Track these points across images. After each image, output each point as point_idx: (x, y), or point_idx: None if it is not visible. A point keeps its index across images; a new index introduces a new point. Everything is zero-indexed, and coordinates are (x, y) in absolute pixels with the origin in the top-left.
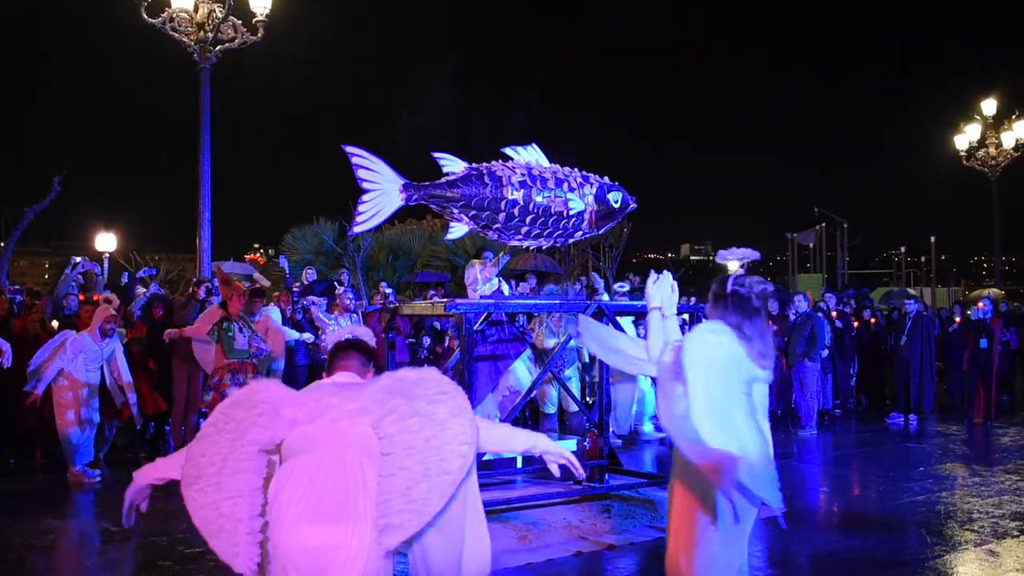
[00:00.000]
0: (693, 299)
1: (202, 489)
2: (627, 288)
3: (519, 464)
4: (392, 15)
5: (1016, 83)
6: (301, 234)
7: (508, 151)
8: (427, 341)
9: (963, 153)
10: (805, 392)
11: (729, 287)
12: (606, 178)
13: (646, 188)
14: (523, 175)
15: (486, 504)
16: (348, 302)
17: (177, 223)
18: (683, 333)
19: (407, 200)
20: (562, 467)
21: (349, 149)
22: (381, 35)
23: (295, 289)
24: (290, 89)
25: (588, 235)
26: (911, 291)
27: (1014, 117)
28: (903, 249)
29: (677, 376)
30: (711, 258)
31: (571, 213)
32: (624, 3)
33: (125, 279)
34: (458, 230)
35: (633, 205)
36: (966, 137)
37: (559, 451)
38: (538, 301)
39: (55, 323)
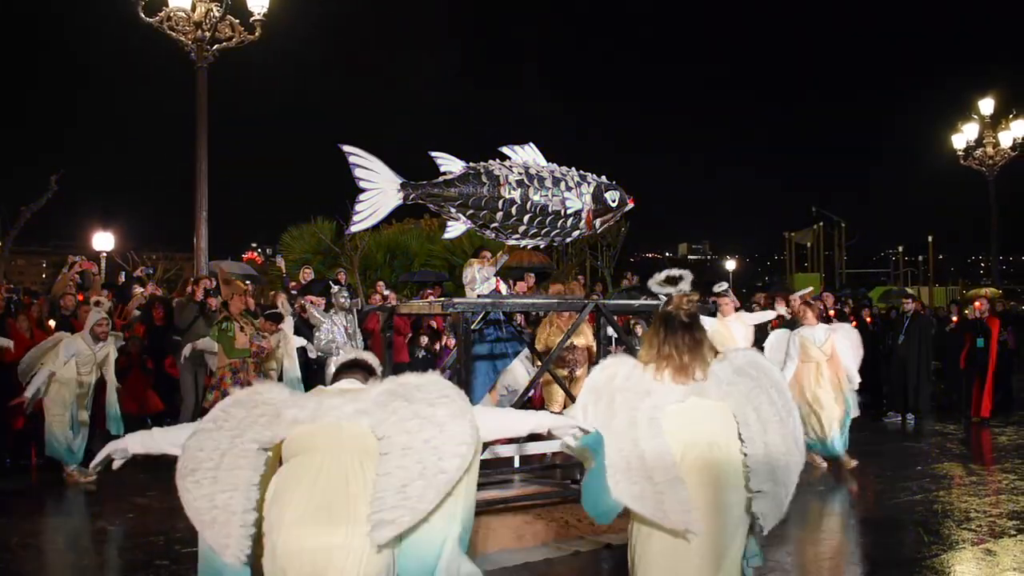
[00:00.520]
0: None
1: (198, 481)
2: (725, 287)
3: (516, 463)
4: (391, 14)
5: (1014, 82)
6: (298, 233)
7: (505, 150)
8: (424, 340)
9: (961, 152)
10: None
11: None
12: (604, 177)
13: (645, 187)
14: (521, 174)
15: (484, 503)
16: (344, 300)
17: (175, 222)
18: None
19: (404, 199)
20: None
21: (346, 148)
22: (379, 34)
23: (293, 290)
24: (287, 88)
25: (586, 234)
26: (909, 290)
27: (1012, 116)
28: (901, 248)
29: None
30: (709, 257)
31: (569, 212)
32: (627, 2)
33: (123, 278)
34: (456, 229)
35: (631, 204)
36: (964, 136)
37: (566, 423)
38: (536, 300)
39: (52, 322)
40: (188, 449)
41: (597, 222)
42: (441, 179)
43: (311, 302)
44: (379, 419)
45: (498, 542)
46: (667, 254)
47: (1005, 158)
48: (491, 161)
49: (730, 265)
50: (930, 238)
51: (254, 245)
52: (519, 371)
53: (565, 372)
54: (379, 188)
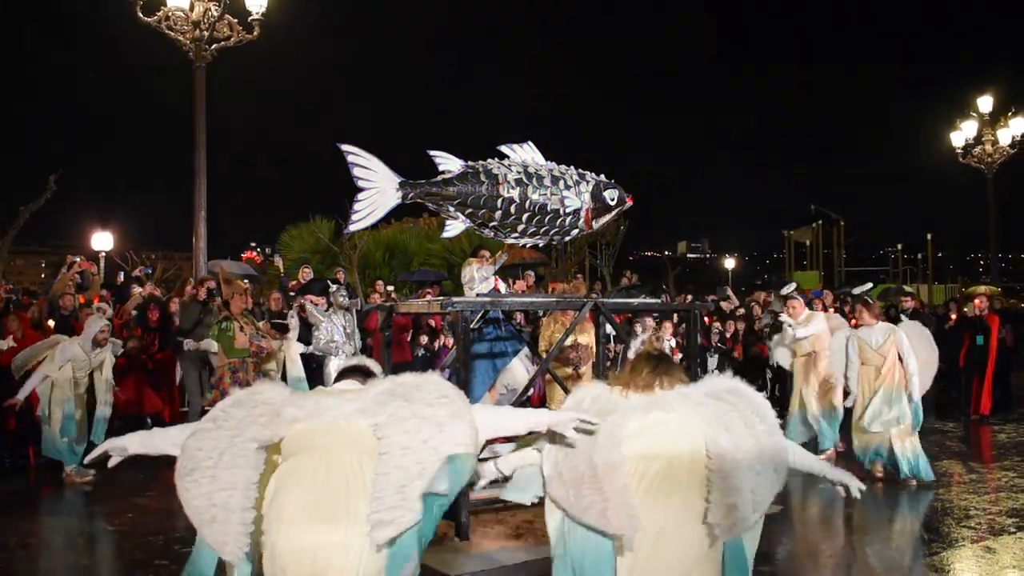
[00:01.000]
0: (690, 297)
1: (196, 480)
2: (793, 287)
3: None
4: (391, 12)
5: (1013, 80)
6: (297, 232)
7: (504, 149)
8: (424, 339)
9: (960, 150)
10: None
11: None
12: (602, 176)
13: (643, 185)
14: (519, 173)
15: (483, 502)
16: (342, 299)
17: (173, 222)
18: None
19: (403, 198)
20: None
21: (345, 147)
22: (378, 32)
23: (292, 290)
24: (286, 88)
25: (584, 232)
26: (907, 288)
27: (1010, 114)
28: (900, 246)
29: None
30: (708, 256)
31: (567, 211)
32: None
33: (122, 278)
34: (454, 228)
35: (629, 202)
36: (963, 134)
37: (566, 418)
38: (535, 299)
39: (51, 322)
40: (187, 449)
41: (595, 221)
42: (440, 178)
43: (310, 301)
44: (378, 418)
45: (498, 540)
46: (666, 252)
47: (1004, 156)
48: (490, 160)
49: (729, 263)
50: (929, 236)
51: (253, 244)
52: (518, 370)
53: (570, 370)
54: (378, 187)
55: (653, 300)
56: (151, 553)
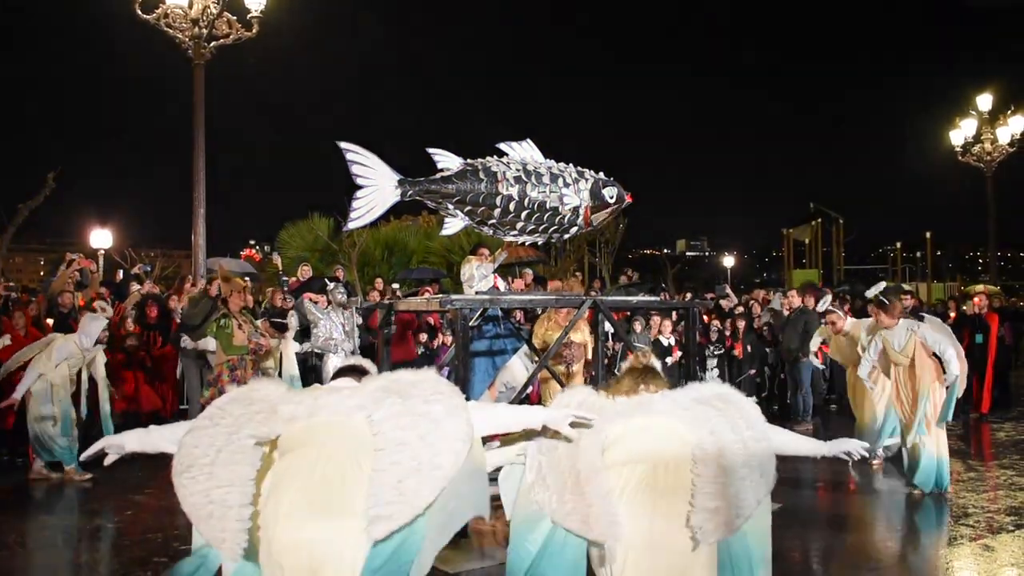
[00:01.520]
0: (688, 295)
1: (194, 477)
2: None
3: None
4: (390, 9)
5: (1012, 78)
6: (296, 230)
7: (503, 146)
8: (423, 337)
9: (959, 148)
10: (800, 388)
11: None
12: (601, 173)
13: (643, 183)
14: (518, 170)
15: None
16: (340, 297)
17: (172, 219)
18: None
19: (402, 196)
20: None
21: (343, 145)
22: (378, 29)
23: (291, 289)
24: (285, 85)
25: (583, 230)
26: (906, 287)
27: (1009, 112)
28: (899, 244)
29: None
30: (707, 254)
31: (566, 208)
32: None
33: (121, 276)
34: (453, 226)
35: (628, 200)
36: (962, 132)
37: (562, 415)
38: (533, 297)
39: (50, 320)
40: (184, 446)
41: (594, 218)
42: (439, 175)
43: (310, 299)
44: (374, 415)
45: (496, 538)
46: (665, 251)
47: (1003, 154)
48: (489, 157)
49: (728, 261)
50: (928, 234)
51: (252, 242)
52: (517, 368)
53: (562, 368)
54: (376, 185)
55: (652, 298)
56: (150, 550)
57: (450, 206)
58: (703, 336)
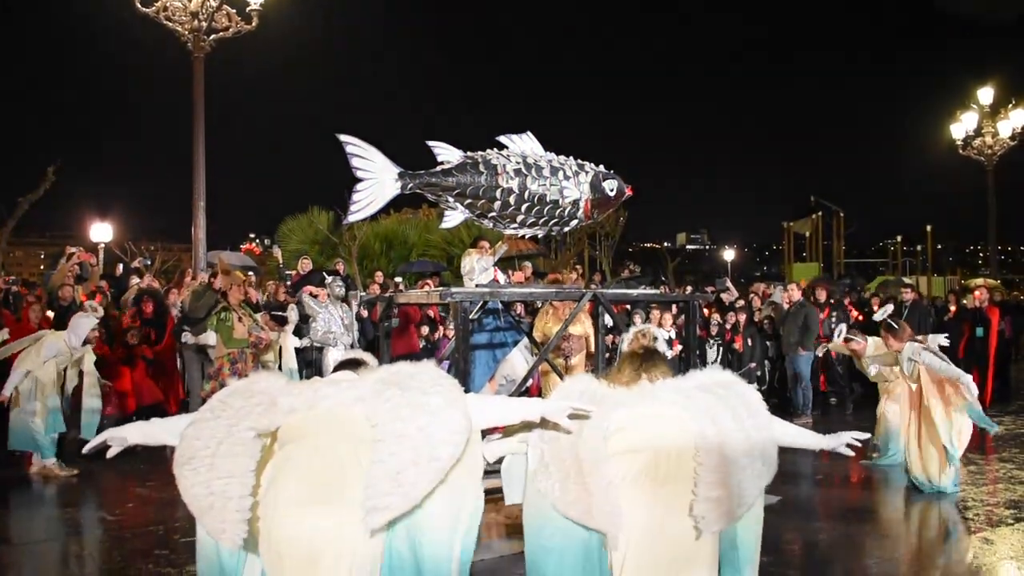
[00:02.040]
0: (689, 288)
1: (195, 469)
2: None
3: None
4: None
5: (1013, 72)
6: (296, 224)
7: (503, 139)
8: (424, 330)
9: (960, 142)
10: (800, 381)
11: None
12: (602, 166)
13: (643, 176)
14: (518, 163)
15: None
16: (339, 290)
17: (172, 213)
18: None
19: (402, 189)
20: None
21: (343, 138)
22: (376, 23)
23: (288, 281)
24: (285, 78)
25: (583, 223)
26: (906, 280)
27: (1011, 106)
28: (899, 238)
29: None
30: (708, 247)
31: (567, 201)
32: None
33: (121, 269)
34: (453, 219)
35: (629, 193)
36: (963, 126)
37: (561, 407)
38: (534, 289)
39: (50, 313)
40: (185, 438)
41: (594, 211)
42: (439, 168)
43: (310, 293)
44: (373, 407)
45: (496, 530)
46: (665, 244)
47: (1004, 148)
48: (489, 150)
49: (728, 255)
50: (928, 228)
51: (252, 236)
52: (518, 360)
53: (560, 360)
54: (376, 178)
55: (652, 291)
56: (151, 543)
57: (450, 199)
58: (703, 329)
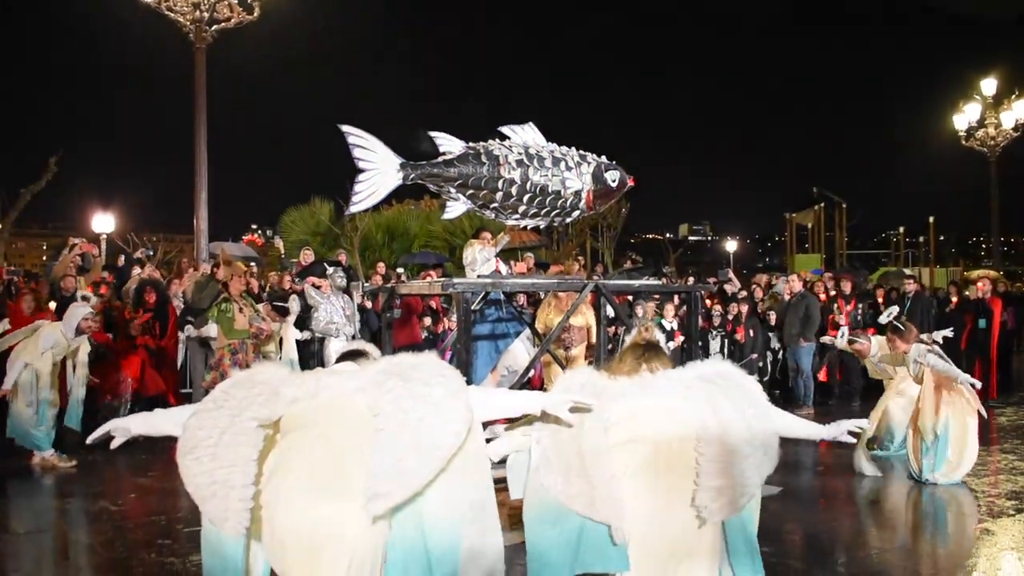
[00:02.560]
0: (691, 279)
1: (198, 458)
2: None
3: None
4: None
5: (1016, 63)
6: (298, 214)
7: (505, 130)
8: (427, 321)
9: (962, 133)
10: (801, 372)
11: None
12: (603, 157)
13: (645, 167)
14: (520, 154)
15: None
16: (340, 281)
17: (175, 204)
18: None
19: (404, 179)
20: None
21: (345, 128)
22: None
23: (292, 272)
24: (287, 69)
25: (585, 214)
26: (908, 271)
27: (1014, 97)
28: (902, 229)
29: None
30: (710, 238)
31: (568, 192)
32: None
33: (123, 260)
34: (455, 209)
35: (631, 184)
36: (965, 117)
37: (561, 400)
38: (536, 280)
39: (52, 304)
40: (188, 428)
41: (596, 202)
42: (440, 159)
43: (312, 284)
44: (375, 397)
45: (501, 522)
46: (667, 235)
47: (1007, 139)
48: (491, 141)
49: (731, 246)
50: (931, 219)
51: (254, 227)
52: (520, 351)
53: (561, 351)
54: (378, 168)
55: (655, 282)
56: (153, 533)
57: (452, 190)
58: (705, 320)
